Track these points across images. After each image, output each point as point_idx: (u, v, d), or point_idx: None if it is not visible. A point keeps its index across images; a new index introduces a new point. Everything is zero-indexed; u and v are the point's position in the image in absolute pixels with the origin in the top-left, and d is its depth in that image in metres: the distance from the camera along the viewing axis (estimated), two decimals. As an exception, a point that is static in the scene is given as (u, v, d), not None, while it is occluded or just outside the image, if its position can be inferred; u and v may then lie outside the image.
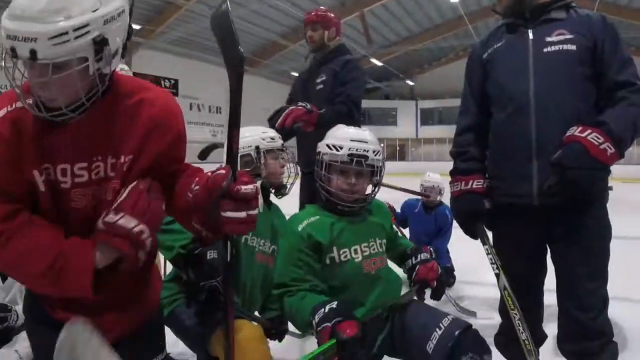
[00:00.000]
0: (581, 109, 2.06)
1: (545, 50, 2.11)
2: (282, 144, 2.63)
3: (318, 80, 3.49)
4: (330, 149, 2.18)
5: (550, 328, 2.45)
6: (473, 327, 2.05)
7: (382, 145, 2.22)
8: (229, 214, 1.31)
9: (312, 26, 3.58)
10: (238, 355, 1.87)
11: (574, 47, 2.07)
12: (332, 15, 3.70)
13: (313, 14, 3.66)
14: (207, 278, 2.04)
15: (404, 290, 2.30)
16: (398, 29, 27.62)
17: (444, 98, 33.19)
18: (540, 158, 2.07)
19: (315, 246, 2.11)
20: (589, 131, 1.92)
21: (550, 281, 2.30)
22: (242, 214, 1.32)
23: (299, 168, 2.72)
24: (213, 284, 2.03)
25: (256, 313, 2.54)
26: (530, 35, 2.16)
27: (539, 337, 2.36)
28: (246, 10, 20.56)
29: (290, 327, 2.65)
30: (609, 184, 2.19)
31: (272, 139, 2.60)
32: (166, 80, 23.19)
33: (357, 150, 2.14)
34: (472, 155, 2.34)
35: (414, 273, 2.29)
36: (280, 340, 2.59)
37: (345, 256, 2.15)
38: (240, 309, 2.25)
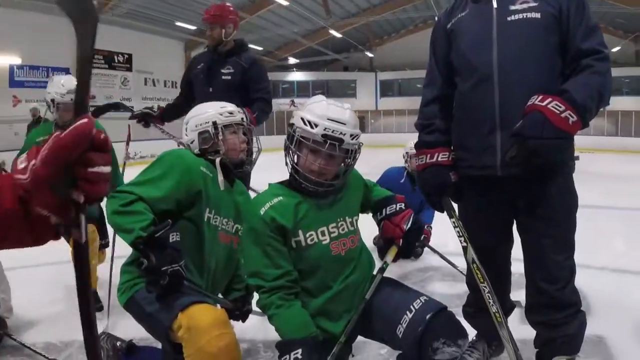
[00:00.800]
0: (546, 79, 2.02)
1: (509, 18, 2.06)
2: (242, 119, 2.52)
3: (224, 70, 3.77)
4: (305, 124, 1.99)
5: (516, 296, 2.47)
6: (448, 308, 1.99)
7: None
8: (102, 168, 1.03)
9: (210, 26, 3.82)
10: (204, 341, 1.83)
11: (538, 15, 2.02)
12: (229, 11, 3.91)
13: (208, 14, 3.84)
14: (169, 262, 1.95)
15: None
16: (357, 0, 27.46)
17: (403, 70, 33.26)
18: (504, 129, 2.04)
19: (280, 230, 2.00)
20: (549, 100, 1.88)
21: (515, 250, 2.33)
22: (108, 168, 1.05)
23: (260, 143, 2.64)
24: (175, 269, 1.95)
25: (220, 295, 2.49)
26: (494, 4, 2.10)
27: (508, 307, 2.38)
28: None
29: (253, 306, 2.61)
30: (575, 154, 2.17)
31: (231, 113, 2.49)
32: (120, 55, 22.59)
33: (332, 131, 1.96)
34: (437, 128, 2.30)
35: (381, 230, 2.19)
36: (243, 321, 2.56)
37: (312, 239, 2.03)
38: (204, 292, 2.19)
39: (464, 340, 1.90)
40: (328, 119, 1.98)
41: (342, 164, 2.09)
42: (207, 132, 2.44)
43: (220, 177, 2.38)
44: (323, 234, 2.06)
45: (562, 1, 2.02)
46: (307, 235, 2.03)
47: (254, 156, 2.63)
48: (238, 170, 2.49)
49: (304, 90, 35.04)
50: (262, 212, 2.00)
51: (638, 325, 3.10)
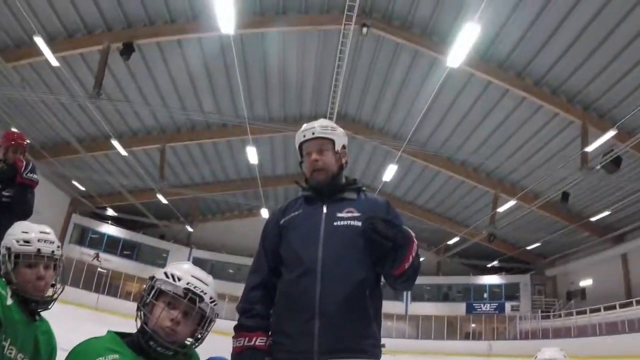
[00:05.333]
0: (362, 276, 2.30)
1: (335, 223, 2.39)
2: (39, 250, 2.22)
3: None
4: (167, 277, 2.03)
5: None
6: None
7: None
8: None
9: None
10: None
11: (359, 224, 2.36)
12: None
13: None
14: None
15: None
16: (192, 173, 28.10)
17: (219, 252, 33.64)
18: (322, 317, 2.21)
19: None
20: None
21: None
22: None
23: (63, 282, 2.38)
24: None
25: None
26: (324, 210, 2.45)
27: None
28: (52, 98, 19.19)
29: None
30: (382, 343, 2.36)
31: (27, 242, 2.21)
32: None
33: (195, 287, 2.03)
34: (258, 312, 2.40)
35: None
36: None
37: None
38: None
39: None
40: (192, 275, 2.07)
41: (194, 333, 2.09)
42: (4, 257, 2.20)
43: (9, 302, 2.12)
44: None
45: (380, 214, 2.36)
46: None
47: (53, 295, 2.32)
48: (30, 308, 2.21)
49: (112, 246, 33.14)
50: None
51: None
